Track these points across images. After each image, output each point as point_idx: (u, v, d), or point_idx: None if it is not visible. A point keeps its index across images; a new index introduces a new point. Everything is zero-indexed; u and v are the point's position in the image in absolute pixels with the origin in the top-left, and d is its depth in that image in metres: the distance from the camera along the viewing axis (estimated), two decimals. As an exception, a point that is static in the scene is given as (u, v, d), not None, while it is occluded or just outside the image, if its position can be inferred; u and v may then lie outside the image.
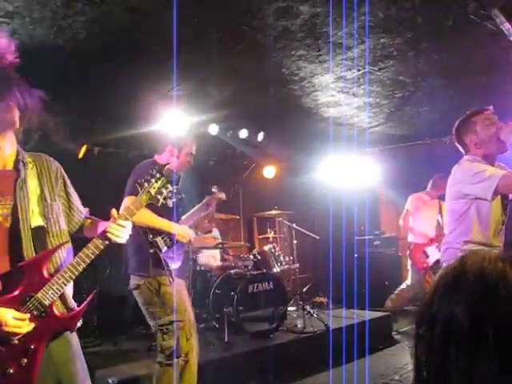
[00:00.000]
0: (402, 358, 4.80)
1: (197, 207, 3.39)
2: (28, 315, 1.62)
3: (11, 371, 1.61)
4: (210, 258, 5.68)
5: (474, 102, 5.16)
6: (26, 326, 1.61)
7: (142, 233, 2.77)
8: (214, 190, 3.63)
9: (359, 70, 4.32)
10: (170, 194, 1.94)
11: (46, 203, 1.80)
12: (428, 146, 6.72)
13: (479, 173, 2.49)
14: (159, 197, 1.91)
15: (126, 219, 1.84)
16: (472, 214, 2.55)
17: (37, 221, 1.75)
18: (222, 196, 3.69)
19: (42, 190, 1.81)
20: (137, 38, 3.56)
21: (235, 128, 6.02)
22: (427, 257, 5.49)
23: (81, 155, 4.77)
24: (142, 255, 2.81)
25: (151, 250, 2.75)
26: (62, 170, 1.96)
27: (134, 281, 2.91)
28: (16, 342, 1.62)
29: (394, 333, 5.71)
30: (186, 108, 4.97)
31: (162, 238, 2.81)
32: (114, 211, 1.86)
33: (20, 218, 1.70)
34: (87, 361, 1.89)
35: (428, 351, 0.71)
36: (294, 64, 4.14)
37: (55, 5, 2.96)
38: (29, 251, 1.70)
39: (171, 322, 2.79)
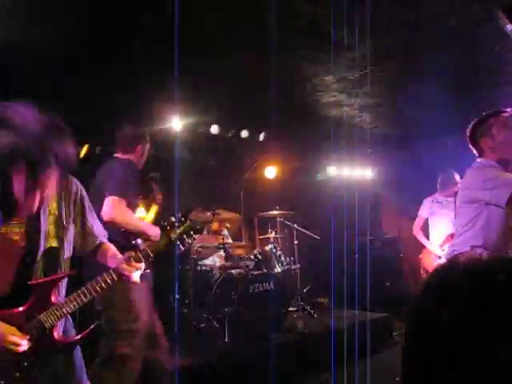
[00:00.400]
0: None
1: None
2: (28, 336, 1.63)
3: (2, 383, 1.62)
4: (216, 258, 5.67)
5: (475, 103, 5.22)
6: (23, 346, 1.61)
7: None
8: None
9: (361, 71, 4.32)
10: (190, 241, 1.92)
11: (62, 225, 1.79)
12: (429, 147, 6.71)
13: (493, 179, 2.42)
14: (179, 242, 1.90)
15: (140, 261, 1.82)
16: (483, 219, 2.49)
17: (51, 242, 1.75)
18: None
19: (60, 212, 1.80)
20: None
21: (237, 128, 6.02)
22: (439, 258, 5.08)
23: (82, 154, 4.77)
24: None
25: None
26: (83, 191, 1.93)
27: None
28: (10, 357, 1.61)
29: (395, 333, 5.71)
30: (187, 108, 4.97)
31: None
32: (133, 254, 1.83)
33: (34, 237, 1.69)
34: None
35: (417, 350, 0.70)
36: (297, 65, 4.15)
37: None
38: (39, 271, 1.70)
39: (129, 330, 2.72)
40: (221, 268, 5.37)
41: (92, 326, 1.82)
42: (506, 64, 4.18)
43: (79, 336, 1.80)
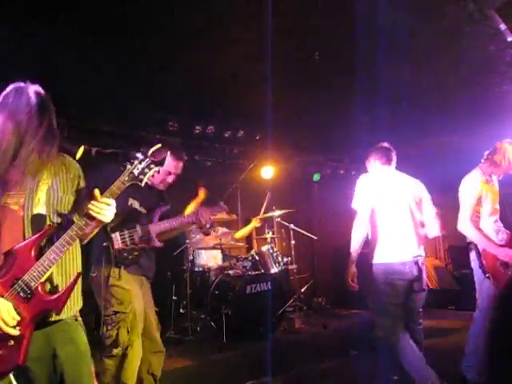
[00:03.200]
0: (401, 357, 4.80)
1: (184, 217, 3.17)
2: (18, 318, 1.69)
3: (0, 352, 1.67)
4: (211, 259, 5.67)
5: (470, 101, 5.25)
6: (14, 329, 1.68)
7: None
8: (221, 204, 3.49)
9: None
10: (155, 174, 1.99)
11: (55, 194, 1.87)
12: (428, 145, 6.75)
13: None
14: (142, 177, 1.94)
15: (108, 198, 1.87)
16: None
17: (39, 208, 1.82)
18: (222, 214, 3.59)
19: (52, 181, 1.88)
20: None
21: (233, 128, 6.03)
22: (507, 266, 3.33)
23: (78, 156, 4.76)
24: (100, 247, 2.77)
25: (105, 244, 2.72)
26: (81, 172, 2.03)
27: (91, 271, 2.88)
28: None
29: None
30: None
31: (121, 236, 2.80)
32: (96, 191, 1.87)
33: (26, 205, 1.80)
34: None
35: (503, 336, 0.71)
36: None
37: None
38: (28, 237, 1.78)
39: (115, 313, 2.74)
40: (218, 269, 5.38)
41: (75, 277, 1.86)
42: (502, 64, 4.20)
43: (65, 288, 1.82)
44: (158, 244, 2.96)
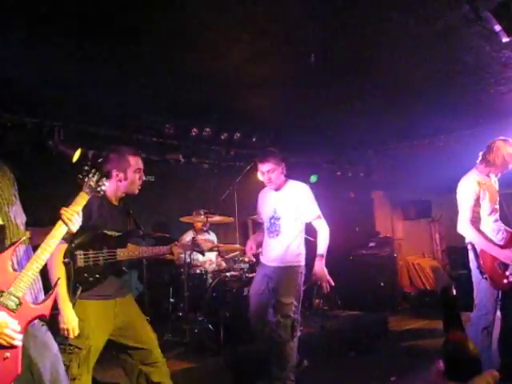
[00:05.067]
0: (398, 358, 4.81)
1: (156, 248, 3.02)
2: (19, 328, 1.69)
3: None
4: (206, 262, 5.68)
5: (467, 102, 5.27)
6: (18, 340, 1.70)
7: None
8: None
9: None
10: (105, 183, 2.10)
11: (5, 203, 1.89)
12: (424, 146, 6.76)
13: None
14: (99, 189, 2.04)
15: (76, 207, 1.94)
16: None
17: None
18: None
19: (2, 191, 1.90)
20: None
21: (229, 130, 6.03)
22: (505, 269, 3.27)
23: (75, 159, 4.75)
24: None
25: (66, 260, 2.40)
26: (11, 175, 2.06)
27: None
28: None
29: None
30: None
31: (85, 255, 2.61)
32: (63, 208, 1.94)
33: None
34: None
35: None
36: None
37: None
38: None
39: (69, 345, 2.55)
40: (215, 271, 5.37)
41: (56, 282, 1.94)
42: (497, 65, 4.22)
43: (52, 294, 1.86)
44: (123, 270, 2.82)
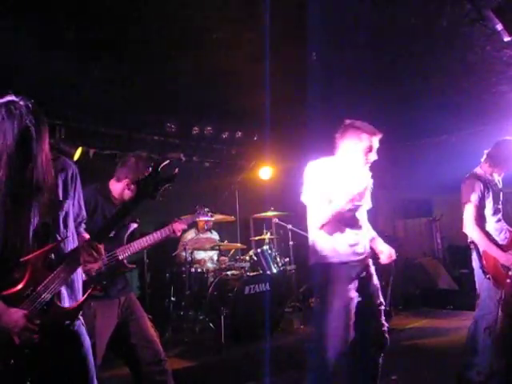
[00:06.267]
0: (398, 357, 4.80)
1: (158, 232, 3.01)
2: (36, 328, 1.65)
3: (12, 362, 1.64)
4: (207, 260, 5.68)
5: (468, 102, 5.26)
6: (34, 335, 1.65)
7: None
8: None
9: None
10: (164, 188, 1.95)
11: (56, 201, 1.83)
12: (425, 145, 6.75)
13: None
14: (155, 193, 1.92)
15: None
16: None
17: (44, 218, 1.78)
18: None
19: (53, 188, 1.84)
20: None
21: (231, 129, 6.03)
22: (509, 269, 3.26)
23: (76, 157, 4.75)
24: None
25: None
26: (71, 171, 2.00)
27: None
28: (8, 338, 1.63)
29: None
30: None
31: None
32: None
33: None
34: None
35: None
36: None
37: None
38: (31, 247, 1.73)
39: None
40: (216, 270, 5.37)
41: (91, 289, 1.86)
42: (499, 64, 4.21)
43: (81, 299, 1.81)
44: (129, 267, 2.83)
